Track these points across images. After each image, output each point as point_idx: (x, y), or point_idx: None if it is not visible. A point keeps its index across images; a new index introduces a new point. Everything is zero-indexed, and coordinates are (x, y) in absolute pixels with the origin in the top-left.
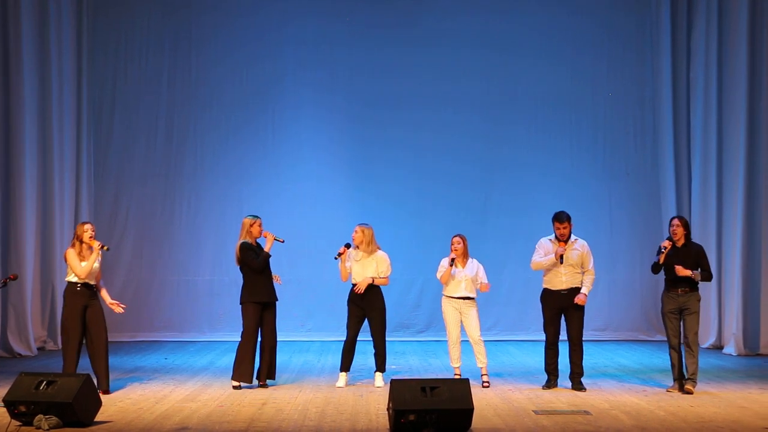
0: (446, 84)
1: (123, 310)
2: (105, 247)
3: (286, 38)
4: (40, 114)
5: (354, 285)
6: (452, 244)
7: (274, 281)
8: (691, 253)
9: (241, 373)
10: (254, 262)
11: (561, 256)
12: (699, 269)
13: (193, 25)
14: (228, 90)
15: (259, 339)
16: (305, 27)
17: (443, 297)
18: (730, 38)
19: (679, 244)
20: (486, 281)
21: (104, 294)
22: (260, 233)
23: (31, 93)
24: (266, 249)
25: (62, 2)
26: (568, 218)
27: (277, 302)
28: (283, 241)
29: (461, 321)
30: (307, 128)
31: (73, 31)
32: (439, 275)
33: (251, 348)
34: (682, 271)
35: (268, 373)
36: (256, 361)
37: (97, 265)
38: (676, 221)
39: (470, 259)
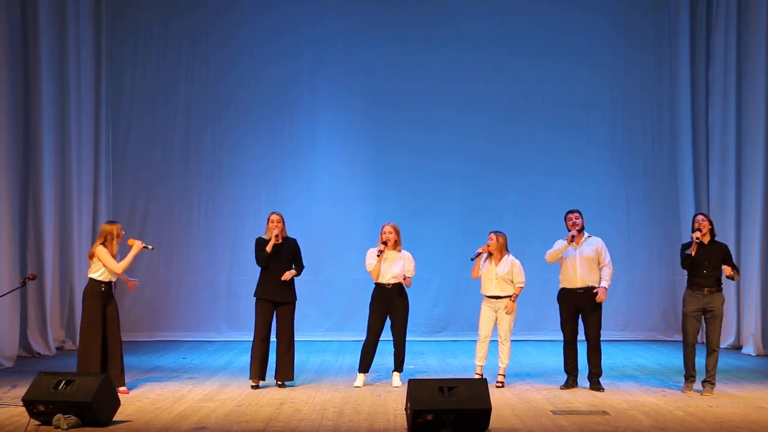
0: (463, 84)
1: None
2: (150, 247)
3: (303, 38)
4: (58, 115)
5: (378, 285)
6: (488, 240)
7: (283, 278)
8: (718, 252)
9: (254, 371)
10: (257, 258)
11: (572, 238)
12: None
13: (210, 26)
14: (245, 90)
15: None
16: (322, 27)
17: (483, 296)
18: (749, 39)
19: (706, 240)
20: (520, 281)
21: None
22: (272, 229)
23: (50, 94)
24: (267, 248)
25: (80, 2)
26: (578, 211)
27: (293, 303)
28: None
29: (495, 321)
30: (324, 128)
31: (91, 31)
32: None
33: (260, 346)
34: (729, 270)
35: (283, 374)
36: (270, 359)
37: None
38: (701, 216)
39: (506, 257)
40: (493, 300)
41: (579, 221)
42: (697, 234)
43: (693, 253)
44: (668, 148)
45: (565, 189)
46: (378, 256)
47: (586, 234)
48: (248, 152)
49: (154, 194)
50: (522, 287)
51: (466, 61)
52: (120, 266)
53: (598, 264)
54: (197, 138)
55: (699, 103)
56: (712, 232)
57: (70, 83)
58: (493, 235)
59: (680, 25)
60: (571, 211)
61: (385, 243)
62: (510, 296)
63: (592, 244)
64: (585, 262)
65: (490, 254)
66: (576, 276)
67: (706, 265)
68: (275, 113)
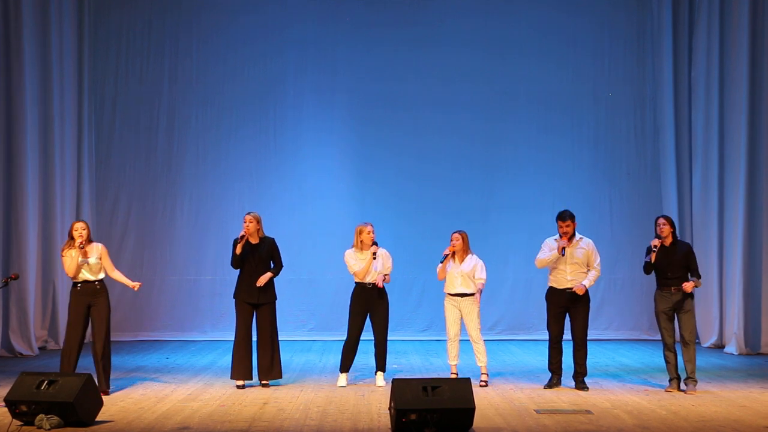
0: (447, 84)
1: (136, 286)
2: (82, 246)
3: (287, 38)
4: (41, 114)
5: (358, 284)
6: (451, 240)
7: (258, 284)
8: (680, 252)
9: (235, 370)
10: (231, 258)
11: (563, 249)
12: (689, 272)
13: (194, 24)
14: (229, 89)
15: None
16: (307, 27)
17: (445, 294)
18: (731, 38)
19: (667, 242)
20: (481, 276)
21: (121, 278)
22: (244, 228)
23: (33, 92)
24: (237, 249)
25: (63, 3)
26: (571, 216)
27: (272, 303)
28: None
29: (461, 319)
30: (308, 129)
31: (74, 30)
32: (437, 270)
33: (240, 346)
34: (689, 287)
35: (266, 373)
36: (253, 359)
37: (93, 261)
38: (662, 220)
39: (470, 255)
40: (457, 298)
41: (570, 229)
42: (656, 242)
43: (652, 260)
44: (651, 147)
45: (548, 189)
46: (374, 258)
47: (578, 236)
48: (232, 151)
49: (138, 194)
50: (483, 283)
51: (450, 62)
52: (67, 269)
53: (587, 266)
54: (181, 137)
55: (681, 103)
56: (673, 233)
57: (53, 84)
58: (458, 235)
59: (663, 24)
60: (561, 218)
61: (376, 243)
62: (473, 294)
63: (583, 247)
64: (575, 266)
65: (453, 253)
66: (565, 278)
67: (670, 267)
68: (260, 112)
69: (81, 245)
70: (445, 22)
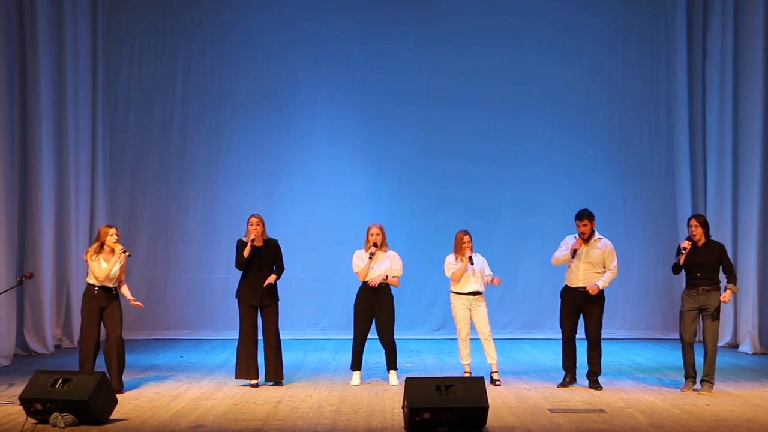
0: (460, 83)
1: (140, 305)
2: (127, 253)
3: (300, 36)
4: (55, 113)
5: (364, 284)
6: (463, 242)
7: (265, 284)
8: (713, 252)
9: (239, 370)
10: (236, 261)
11: (574, 252)
12: (725, 274)
13: (207, 24)
14: (242, 88)
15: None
16: (320, 25)
17: (452, 294)
18: (746, 37)
19: (700, 243)
20: (490, 272)
21: (125, 291)
22: (250, 232)
23: (47, 92)
24: (244, 252)
25: (78, 2)
26: (589, 216)
27: (276, 304)
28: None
29: (470, 318)
30: (321, 126)
31: (88, 29)
32: (450, 273)
33: (246, 346)
34: (728, 298)
35: (268, 374)
36: (260, 359)
37: (117, 268)
38: (694, 221)
39: (474, 253)
40: (469, 297)
41: (587, 228)
42: (686, 243)
43: (681, 262)
44: (665, 147)
45: (561, 189)
46: (370, 258)
47: (596, 235)
48: (245, 150)
49: (151, 192)
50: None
51: (463, 60)
52: (102, 273)
53: (603, 267)
54: (194, 136)
55: (696, 102)
56: (706, 234)
57: (68, 83)
58: (469, 237)
59: (677, 23)
60: (578, 217)
61: (375, 245)
62: (481, 293)
63: (600, 248)
64: (588, 266)
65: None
66: (577, 277)
67: (700, 267)
68: (272, 111)
69: (127, 252)
70: (458, 21)
